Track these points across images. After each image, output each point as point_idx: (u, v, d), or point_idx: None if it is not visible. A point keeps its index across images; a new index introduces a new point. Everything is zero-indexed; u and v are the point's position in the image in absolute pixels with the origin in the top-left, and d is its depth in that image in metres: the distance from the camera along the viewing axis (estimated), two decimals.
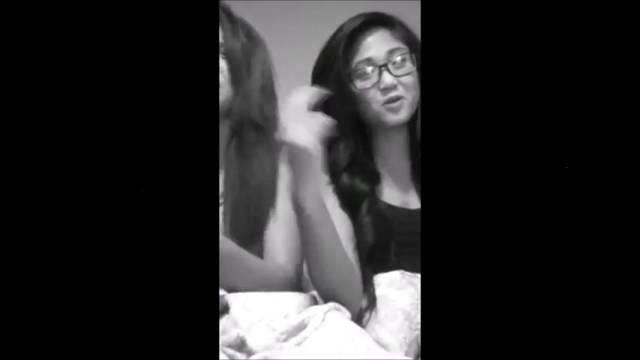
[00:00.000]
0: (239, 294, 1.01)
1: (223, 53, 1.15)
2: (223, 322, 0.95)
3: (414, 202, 1.17)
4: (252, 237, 1.13)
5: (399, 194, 1.18)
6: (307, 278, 1.19)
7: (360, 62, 1.12)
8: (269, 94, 1.19)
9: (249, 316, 0.94)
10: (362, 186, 1.14)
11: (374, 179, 1.16)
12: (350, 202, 1.13)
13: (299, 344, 0.88)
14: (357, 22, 1.13)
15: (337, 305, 0.99)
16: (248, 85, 1.16)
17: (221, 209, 1.15)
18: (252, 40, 1.20)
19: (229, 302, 0.98)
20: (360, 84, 1.12)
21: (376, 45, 1.12)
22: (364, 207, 1.12)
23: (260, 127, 1.16)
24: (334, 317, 0.94)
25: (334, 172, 1.15)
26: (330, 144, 1.10)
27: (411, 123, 1.17)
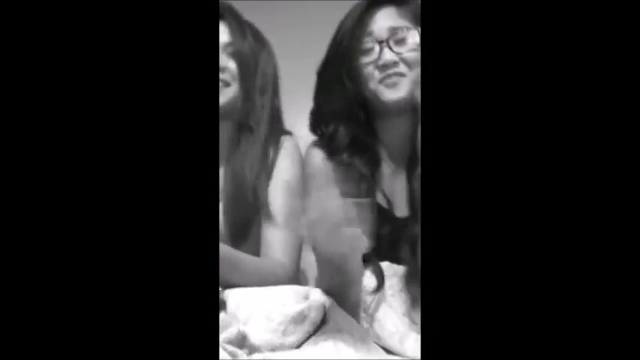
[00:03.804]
0: (234, 289, 0.99)
1: (232, 54, 1.18)
2: (221, 318, 0.92)
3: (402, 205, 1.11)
4: (247, 234, 1.14)
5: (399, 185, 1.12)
6: (303, 272, 1.19)
7: (364, 37, 1.07)
8: (269, 95, 1.21)
9: (245, 308, 0.92)
10: (362, 168, 1.09)
11: (374, 163, 1.11)
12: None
13: (300, 344, 0.87)
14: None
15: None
16: (251, 83, 1.18)
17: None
18: (258, 41, 1.23)
19: (225, 298, 0.96)
20: (362, 59, 1.08)
21: (380, 20, 1.08)
22: (362, 190, 1.07)
23: (249, 127, 1.18)
24: (337, 312, 0.92)
25: (334, 152, 1.11)
26: (331, 124, 1.12)
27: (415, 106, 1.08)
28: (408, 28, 1.07)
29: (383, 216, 1.08)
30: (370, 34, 1.07)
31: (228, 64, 1.17)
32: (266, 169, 1.17)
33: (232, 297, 0.95)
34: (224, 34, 1.19)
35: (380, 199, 1.10)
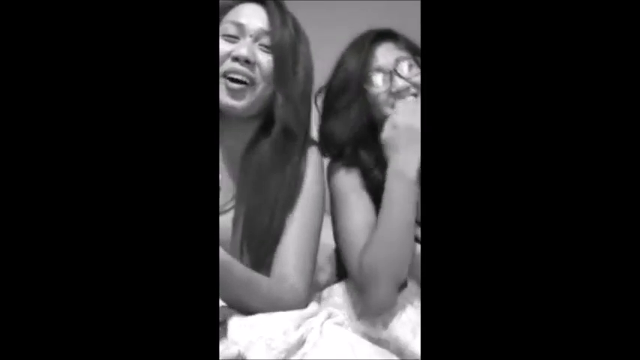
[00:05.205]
0: (235, 316, 0.96)
1: (270, 46, 1.06)
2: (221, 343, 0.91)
3: None
4: (266, 253, 1.05)
5: None
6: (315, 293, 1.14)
7: (370, 71, 1.18)
8: (308, 99, 1.14)
9: (247, 334, 0.91)
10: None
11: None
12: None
13: None
14: (370, 37, 1.20)
15: (330, 309, 0.97)
16: (292, 86, 1.08)
17: (228, 216, 1.07)
18: (298, 33, 1.12)
19: (227, 323, 0.95)
20: (372, 91, 1.18)
21: (384, 55, 1.19)
22: None
23: (294, 134, 1.09)
24: (331, 329, 0.93)
25: (365, 172, 1.18)
26: (353, 150, 1.18)
27: None
28: (409, 57, 1.19)
29: None
30: (378, 68, 1.18)
31: (260, 58, 1.05)
32: (292, 180, 1.08)
33: (233, 322, 0.94)
34: (259, 20, 1.06)
35: None
